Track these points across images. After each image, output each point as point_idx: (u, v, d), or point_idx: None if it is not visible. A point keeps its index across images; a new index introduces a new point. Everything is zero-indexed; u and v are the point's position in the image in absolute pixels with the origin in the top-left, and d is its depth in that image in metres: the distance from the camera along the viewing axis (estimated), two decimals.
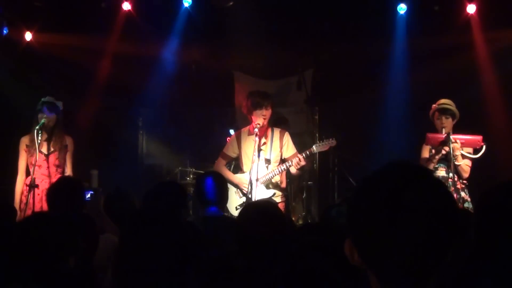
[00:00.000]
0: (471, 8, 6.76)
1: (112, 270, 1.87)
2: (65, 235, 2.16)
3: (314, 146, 5.21)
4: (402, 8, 7.07)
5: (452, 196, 1.18)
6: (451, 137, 4.92)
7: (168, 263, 1.67)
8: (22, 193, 5.19)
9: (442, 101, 5.18)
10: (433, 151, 5.12)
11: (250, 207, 2.85)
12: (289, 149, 5.33)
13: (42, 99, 5.25)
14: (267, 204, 2.87)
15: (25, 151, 5.23)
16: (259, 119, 5.20)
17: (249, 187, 5.03)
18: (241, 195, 5.20)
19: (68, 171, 5.36)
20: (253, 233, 2.40)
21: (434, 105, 5.20)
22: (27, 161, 5.24)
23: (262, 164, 5.26)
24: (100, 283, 2.57)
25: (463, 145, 5.02)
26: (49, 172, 5.23)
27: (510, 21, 6.41)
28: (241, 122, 7.68)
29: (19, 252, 2.10)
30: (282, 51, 7.42)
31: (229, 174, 5.38)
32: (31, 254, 2.08)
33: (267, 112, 5.23)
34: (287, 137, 5.37)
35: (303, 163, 5.07)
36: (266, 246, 2.34)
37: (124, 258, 1.73)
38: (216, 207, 3.81)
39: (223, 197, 3.97)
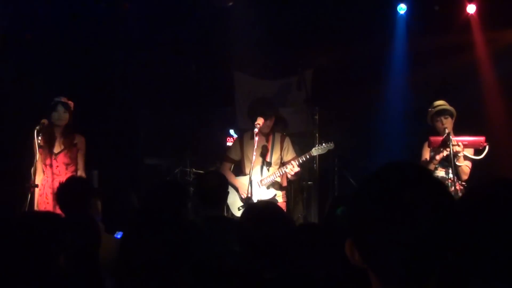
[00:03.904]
0: (471, 8, 6.77)
1: (113, 270, 1.87)
2: (50, 233, 2.16)
3: (313, 150, 5.27)
4: (402, 8, 7.08)
5: (452, 196, 1.18)
6: (452, 138, 4.93)
7: (168, 263, 1.68)
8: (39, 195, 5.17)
9: (437, 103, 5.20)
10: (433, 153, 5.12)
11: (252, 207, 2.85)
12: (289, 153, 5.40)
13: (56, 99, 5.28)
14: (269, 204, 2.87)
15: (36, 154, 5.20)
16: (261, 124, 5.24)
17: (249, 187, 5.06)
18: (243, 197, 5.25)
19: (80, 170, 5.36)
20: (255, 233, 2.40)
21: (430, 109, 5.21)
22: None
23: (263, 167, 5.31)
24: (103, 283, 2.57)
25: (466, 146, 5.02)
26: (59, 171, 5.25)
27: (510, 21, 6.41)
28: (241, 122, 7.68)
29: (4, 252, 2.09)
30: (282, 51, 7.42)
31: (233, 178, 5.44)
32: (16, 254, 2.08)
33: (270, 123, 5.28)
34: (287, 142, 5.45)
35: (296, 169, 5.12)
36: (268, 246, 2.34)
37: (125, 257, 1.73)
38: (216, 208, 3.80)
39: (223, 198, 3.95)
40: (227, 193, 4.07)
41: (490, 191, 1.54)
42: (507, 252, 1.43)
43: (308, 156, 5.23)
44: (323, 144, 5.25)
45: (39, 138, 5.04)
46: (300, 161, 5.18)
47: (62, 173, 5.24)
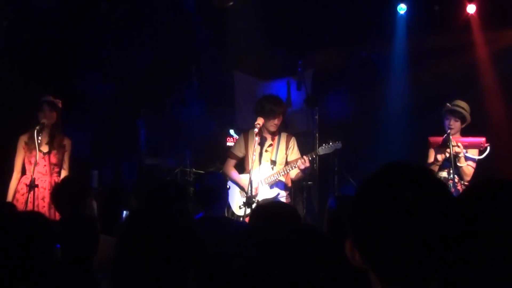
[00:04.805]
0: (471, 8, 6.77)
1: (109, 270, 1.86)
2: (39, 230, 2.15)
3: (319, 149, 5.22)
4: (402, 8, 7.08)
5: (453, 196, 1.18)
6: (451, 138, 4.92)
7: (166, 264, 1.67)
8: (17, 191, 5.19)
9: (457, 102, 5.13)
10: (437, 154, 5.11)
11: (263, 208, 2.81)
12: (294, 153, 5.37)
13: (42, 98, 5.27)
14: (280, 205, 2.85)
15: (24, 149, 5.24)
16: (267, 124, 5.20)
17: (249, 187, 5.04)
18: (244, 195, 5.21)
19: (65, 172, 5.37)
20: (265, 234, 2.38)
21: (448, 104, 5.16)
22: (24, 159, 5.25)
23: (267, 165, 5.31)
24: (100, 284, 2.57)
25: (467, 147, 5.00)
26: (46, 170, 5.24)
27: (510, 21, 6.41)
28: (241, 122, 7.68)
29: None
30: (282, 51, 7.42)
31: (235, 175, 5.42)
32: (8, 253, 2.07)
33: (278, 121, 5.25)
34: (293, 142, 5.42)
35: (307, 164, 5.08)
36: (277, 248, 2.32)
37: (121, 258, 1.72)
38: (214, 209, 3.76)
39: (222, 198, 3.91)
40: (226, 193, 4.05)
41: (486, 193, 1.53)
42: (504, 254, 1.42)
43: (314, 156, 5.20)
44: (330, 144, 5.21)
45: (39, 138, 5.04)
46: (310, 158, 5.14)
47: (47, 173, 5.23)
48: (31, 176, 4.99)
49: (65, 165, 5.38)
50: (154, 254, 1.67)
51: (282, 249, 2.27)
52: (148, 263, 1.66)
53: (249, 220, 2.66)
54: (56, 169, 5.32)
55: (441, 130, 5.16)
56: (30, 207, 4.89)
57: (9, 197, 5.17)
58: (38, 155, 5.07)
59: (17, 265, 2.07)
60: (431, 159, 5.23)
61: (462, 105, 5.11)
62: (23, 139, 5.27)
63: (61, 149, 5.33)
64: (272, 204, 3.37)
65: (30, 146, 5.16)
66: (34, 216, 2.35)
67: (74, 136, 5.57)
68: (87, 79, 7.26)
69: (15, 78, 6.62)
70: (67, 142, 5.41)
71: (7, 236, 2.11)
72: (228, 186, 5.32)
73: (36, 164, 5.00)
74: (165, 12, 7.27)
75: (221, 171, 6.11)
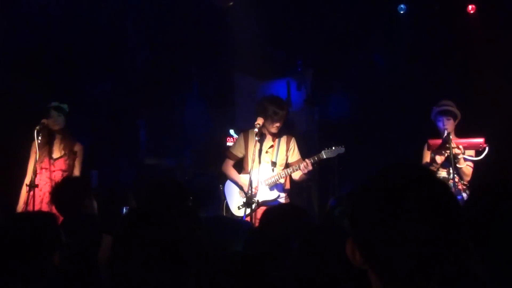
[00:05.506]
0: (471, 8, 6.77)
1: (107, 268, 1.86)
2: (43, 232, 2.16)
3: (323, 152, 5.18)
4: (402, 8, 7.08)
5: (455, 196, 1.18)
6: (451, 138, 4.92)
7: (164, 263, 1.66)
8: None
9: (443, 102, 5.18)
10: (433, 155, 5.11)
11: (273, 210, 2.81)
12: (294, 154, 5.36)
13: (49, 105, 5.25)
14: (290, 206, 2.85)
15: (35, 153, 5.22)
16: (269, 126, 5.19)
17: (249, 187, 5.02)
18: (244, 195, 5.20)
19: None
20: (277, 236, 2.38)
21: (434, 107, 5.20)
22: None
23: (268, 167, 5.28)
24: (103, 283, 2.57)
25: (466, 148, 5.01)
26: (54, 176, 5.21)
27: (510, 21, 6.41)
28: (241, 122, 7.68)
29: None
30: (282, 51, 7.42)
31: (235, 175, 5.40)
32: (11, 254, 2.08)
33: (281, 124, 5.23)
34: (293, 143, 5.40)
35: (310, 167, 5.06)
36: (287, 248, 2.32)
37: (118, 256, 1.72)
38: (206, 209, 3.76)
39: (212, 199, 3.90)
40: (217, 194, 4.05)
41: (496, 192, 1.53)
42: None
43: (316, 158, 5.15)
44: (333, 148, 5.17)
45: (39, 138, 5.03)
46: (312, 161, 5.12)
47: (58, 179, 5.21)
48: (32, 176, 4.98)
49: (76, 171, 5.33)
50: (151, 253, 1.66)
51: (284, 248, 2.27)
52: (145, 261, 1.66)
53: (259, 220, 2.66)
54: (65, 175, 5.24)
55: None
56: (30, 208, 4.89)
57: (20, 202, 5.14)
58: (46, 160, 5.09)
59: (19, 265, 2.07)
60: (426, 159, 5.23)
61: (449, 103, 5.15)
62: (35, 144, 5.24)
63: (72, 155, 5.29)
64: (281, 206, 3.36)
65: (41, 150, 5.14)
66: (40, 216, 2.35)
67: (74, 136, 5.56)
68: (87, 79, 7.25)
69: (14, 78, 6.63)
70: (78, 148, 5.36)
71: (9, 236, 2.11)
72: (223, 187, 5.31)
73: (35, 165, 4.99)
74: (165, 12, 7.27)
75: (220, 171, 6.13)
